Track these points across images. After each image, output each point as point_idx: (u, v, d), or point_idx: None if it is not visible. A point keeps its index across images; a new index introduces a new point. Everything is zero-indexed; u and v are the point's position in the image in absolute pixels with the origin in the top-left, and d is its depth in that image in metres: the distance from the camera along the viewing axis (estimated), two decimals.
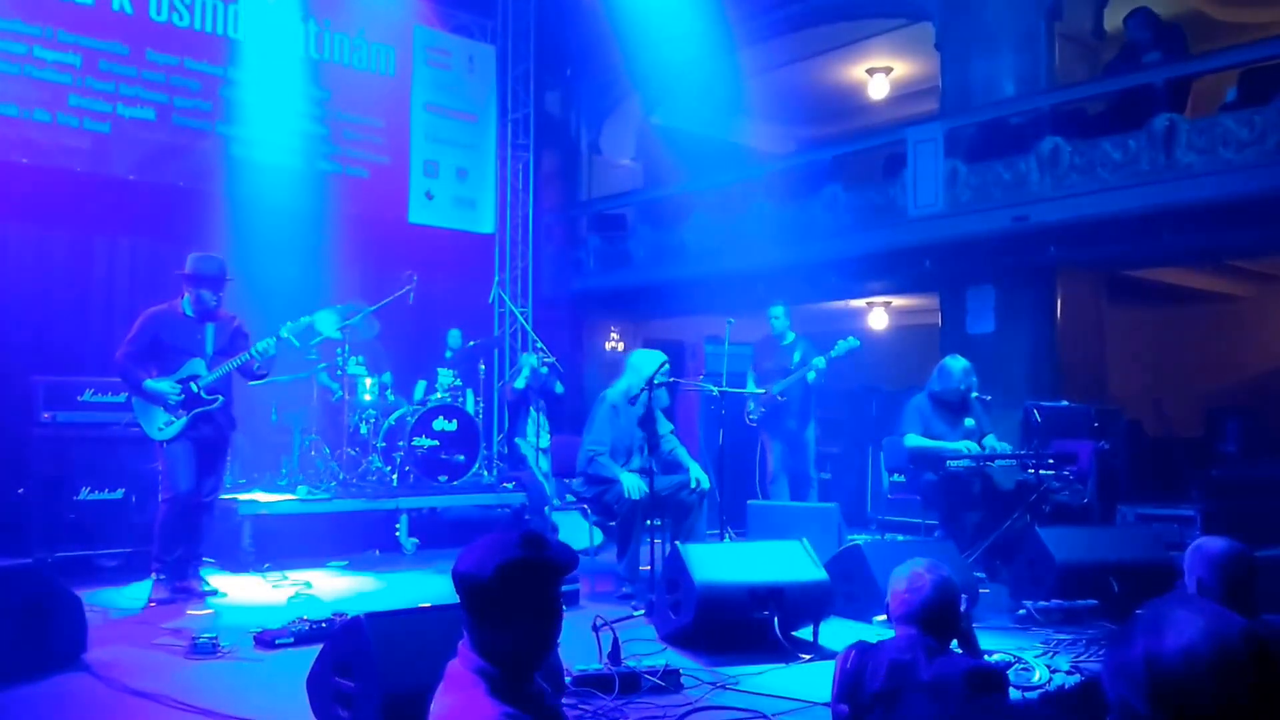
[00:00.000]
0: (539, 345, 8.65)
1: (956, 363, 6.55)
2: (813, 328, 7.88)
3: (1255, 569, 2.98)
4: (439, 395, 7.91)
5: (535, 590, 1.77)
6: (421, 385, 8.39)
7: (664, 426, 5.98)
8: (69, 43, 7.90)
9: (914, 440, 6.48)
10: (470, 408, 8.32)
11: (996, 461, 6.24)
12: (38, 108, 7.77)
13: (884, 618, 2.94)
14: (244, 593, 5.71)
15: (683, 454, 5.91)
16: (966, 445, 6.34)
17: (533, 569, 1.77)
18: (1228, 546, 2.99)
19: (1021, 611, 4.93)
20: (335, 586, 6.01)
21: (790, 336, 7.59)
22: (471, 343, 9.13)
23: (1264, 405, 9.98)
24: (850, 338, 7.17)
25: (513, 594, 1.74)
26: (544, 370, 8.52)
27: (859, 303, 12.54)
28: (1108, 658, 1.34)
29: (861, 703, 2.65)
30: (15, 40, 7.67)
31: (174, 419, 5.36)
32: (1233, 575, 2.92)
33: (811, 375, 7.19)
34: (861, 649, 2.75)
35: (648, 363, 5.85)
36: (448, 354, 9.02)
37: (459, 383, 8.20)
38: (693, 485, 5.65)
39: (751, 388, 7.48)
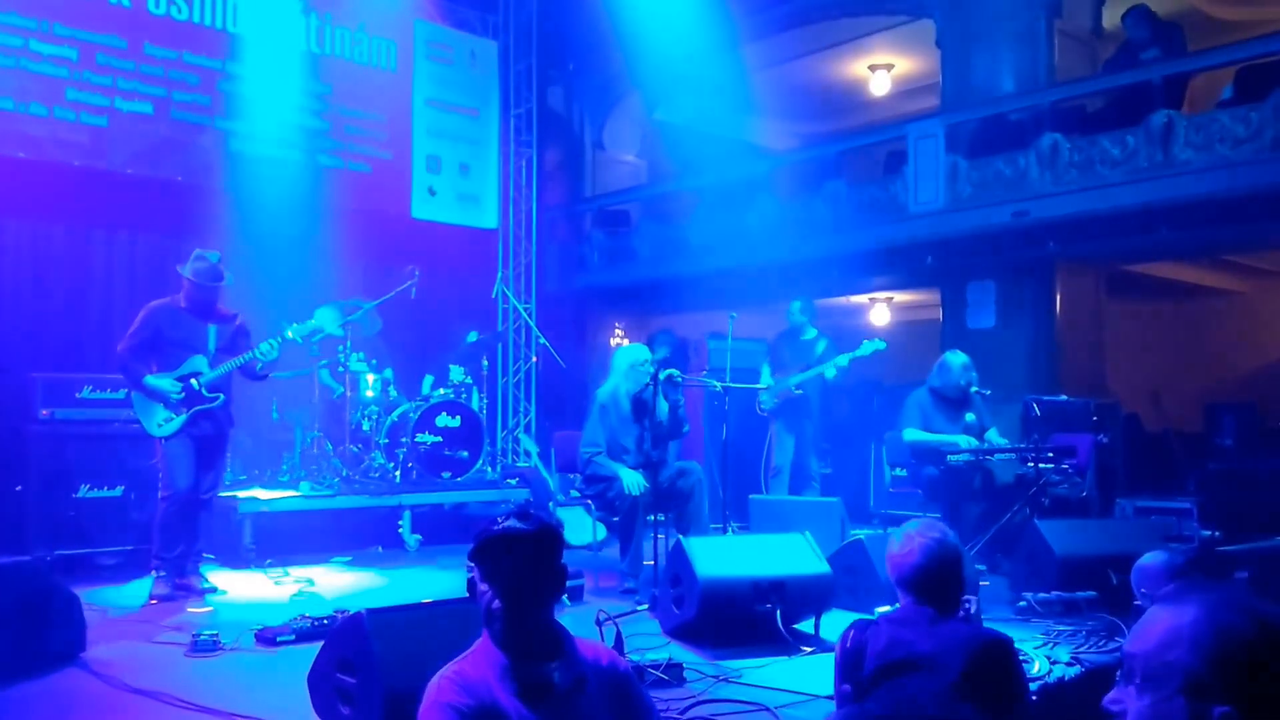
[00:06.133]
0: (541, 340, 8.53)
1: (956, 358, 6.56)
2: (816, 323, 7.89)
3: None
4: (442, 391, 7.90)
5: (496, 557, 1.97)
6: (429, 380, 8.33)
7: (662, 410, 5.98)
8: (65, 36, 7.84)
9: (912, 434, 6.51)
10: (474, 403, 8.30)
11: (996, 455, 6.26)
12: (34, 101, 7.72)
13: (886, 609, 2.90)
14: (245, 590, 5.71)
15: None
16: (965, 440, 6.36)
17: (496, 537, 1.97)
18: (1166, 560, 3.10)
19: (1021, 604, 4.95)
20: (337, 583, 6.01)
21: (812, 332, 7.60)
22: (473, 338, 9.10)
23: (1261, 399, 10.00)
24: (878, 339, 7.19)
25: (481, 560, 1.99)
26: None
27: (861, 298, 12.55)
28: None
29: (863, 679, 2.55)
30: (11, 33, 7.61)
31: (174, 416, 5.34)
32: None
33: (832, 372, 7.24)
34: (860, 627, 2.67)
35: (624, 359, 5.90)
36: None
37: (469, 379, 8.17)
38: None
39: (766, 380, 7.48)
